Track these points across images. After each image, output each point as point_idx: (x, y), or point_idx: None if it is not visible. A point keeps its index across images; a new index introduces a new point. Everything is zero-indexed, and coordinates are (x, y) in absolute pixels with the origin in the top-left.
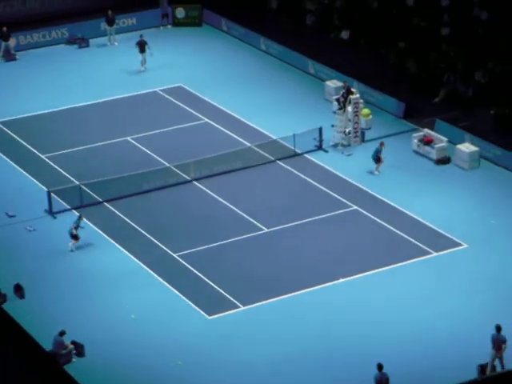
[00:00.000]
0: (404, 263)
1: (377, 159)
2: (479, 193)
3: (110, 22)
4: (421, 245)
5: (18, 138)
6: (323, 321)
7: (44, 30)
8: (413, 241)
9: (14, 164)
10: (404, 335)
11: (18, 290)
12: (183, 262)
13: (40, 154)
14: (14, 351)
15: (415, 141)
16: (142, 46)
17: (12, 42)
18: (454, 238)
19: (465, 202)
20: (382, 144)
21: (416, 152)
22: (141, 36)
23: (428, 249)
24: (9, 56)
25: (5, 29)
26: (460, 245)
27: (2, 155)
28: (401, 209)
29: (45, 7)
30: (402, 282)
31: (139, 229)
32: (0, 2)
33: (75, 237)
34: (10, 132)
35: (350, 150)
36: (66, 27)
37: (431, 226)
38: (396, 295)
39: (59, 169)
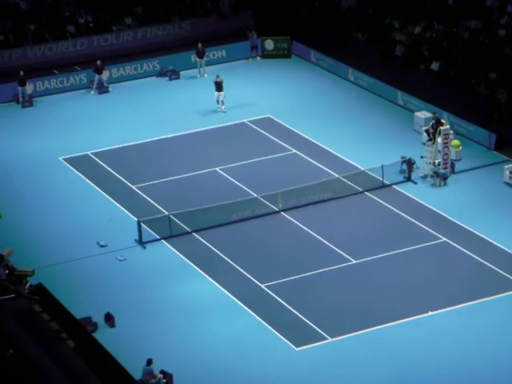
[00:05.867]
0: (494, 297)
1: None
2: None
3: (200, 55)
4: (511, 278)
5: (109, 169)
6: (411, 354)
7: (136, 62)
8: (503, 273)
9: (105, 194)
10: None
11: (109, 318)
12: (271, 293)
13: (130, 185)
14: (104, 379)
15: (507, 172)
16: (218, 85)
17: (105, 74)
18: None
19: None
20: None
21: (507, 184)
22: (217, 76)
23: None
24: (102, 88)
25: (98, 62)
26: None
27: (94, 185)
28: (491, 241)
29: (137, 41)
30: (493, 316)
31: (227, 259)
32: (94, 36)
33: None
34: (101, 162)
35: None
36: (157, 60)
37: None
38: (487, 329)
39: (149, 199)
